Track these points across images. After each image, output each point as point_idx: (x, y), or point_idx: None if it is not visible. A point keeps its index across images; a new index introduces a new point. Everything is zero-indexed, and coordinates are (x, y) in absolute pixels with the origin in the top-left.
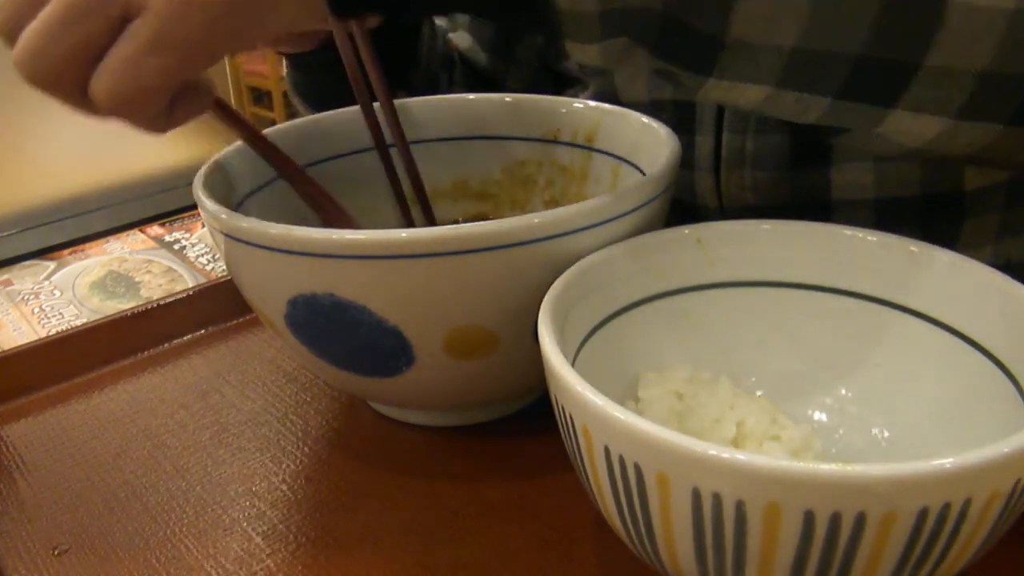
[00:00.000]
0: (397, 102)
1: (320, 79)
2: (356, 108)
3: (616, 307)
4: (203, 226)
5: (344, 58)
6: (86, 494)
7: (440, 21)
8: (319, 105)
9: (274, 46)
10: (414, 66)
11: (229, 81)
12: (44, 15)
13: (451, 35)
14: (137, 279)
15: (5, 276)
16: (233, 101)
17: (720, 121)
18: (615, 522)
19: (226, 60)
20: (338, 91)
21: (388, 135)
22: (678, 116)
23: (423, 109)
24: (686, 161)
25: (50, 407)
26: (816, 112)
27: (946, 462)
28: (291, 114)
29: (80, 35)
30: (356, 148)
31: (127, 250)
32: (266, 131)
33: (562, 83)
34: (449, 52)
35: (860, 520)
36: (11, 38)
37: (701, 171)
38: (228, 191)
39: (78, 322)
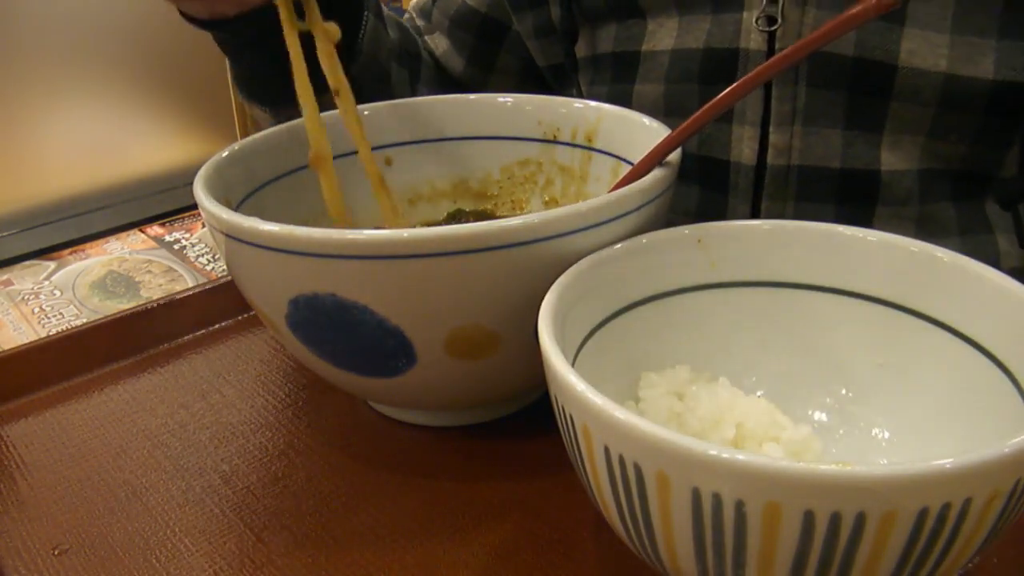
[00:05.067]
0: (399, 103)
1: (257, 70)
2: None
3: (616, 307)
4: (203, 226)
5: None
6: (86, 494)
7: (420, 21)
8: (266, 101)
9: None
10: (352, 58)
11: (230, 81)
12: None
13: (427, 37)
14: (137, 279)
15: (5, 276)
16: (233, 101)
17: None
18: (615, 522)
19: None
20: (278, 84)
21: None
22: None
23: (424, 109)
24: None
25: (50, 407)
26: None
27: (946, 462)
28: (284, 118)
29: None
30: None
31: (127, 250)
32: (256, 135)
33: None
34: (409, 48)
35: (860, 520)
36: None
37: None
38: (228, 191)
39: (78, 322)
